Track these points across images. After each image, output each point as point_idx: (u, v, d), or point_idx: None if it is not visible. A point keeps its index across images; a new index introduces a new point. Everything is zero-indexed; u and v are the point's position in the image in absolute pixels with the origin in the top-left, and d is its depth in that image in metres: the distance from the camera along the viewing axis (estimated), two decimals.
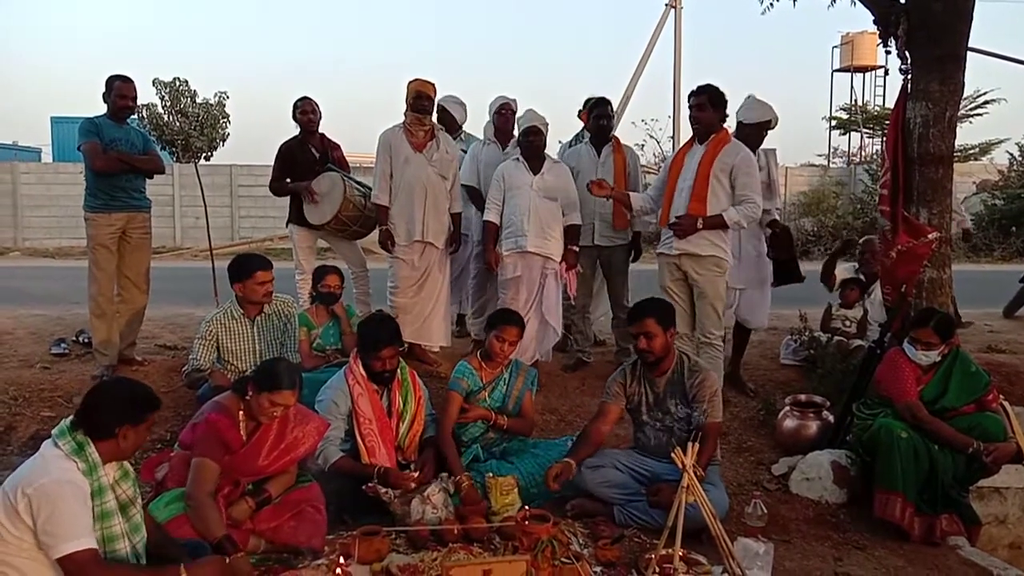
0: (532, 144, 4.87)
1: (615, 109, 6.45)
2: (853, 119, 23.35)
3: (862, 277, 5.62)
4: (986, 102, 20.58)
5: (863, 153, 22.79)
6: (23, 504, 2.33)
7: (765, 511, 3.27)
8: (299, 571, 2.95)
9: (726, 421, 4.05)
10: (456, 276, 5.51)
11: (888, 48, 4.64)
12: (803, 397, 4.66)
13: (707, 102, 4.29)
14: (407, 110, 4.86)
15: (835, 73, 26.32)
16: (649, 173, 12.91)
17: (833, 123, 24.87)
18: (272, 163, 5.50)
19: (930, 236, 4.35)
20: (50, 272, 11.69)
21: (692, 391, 3.58)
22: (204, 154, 19.37)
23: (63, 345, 5.35)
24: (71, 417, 2.53)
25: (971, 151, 21.32)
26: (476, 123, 5.79)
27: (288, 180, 5.44)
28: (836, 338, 5.33)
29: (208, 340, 4.19)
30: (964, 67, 4.53)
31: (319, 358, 4.55)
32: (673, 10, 17.16)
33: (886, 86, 24.57)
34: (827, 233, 15.55)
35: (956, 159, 5.15)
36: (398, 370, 3.80)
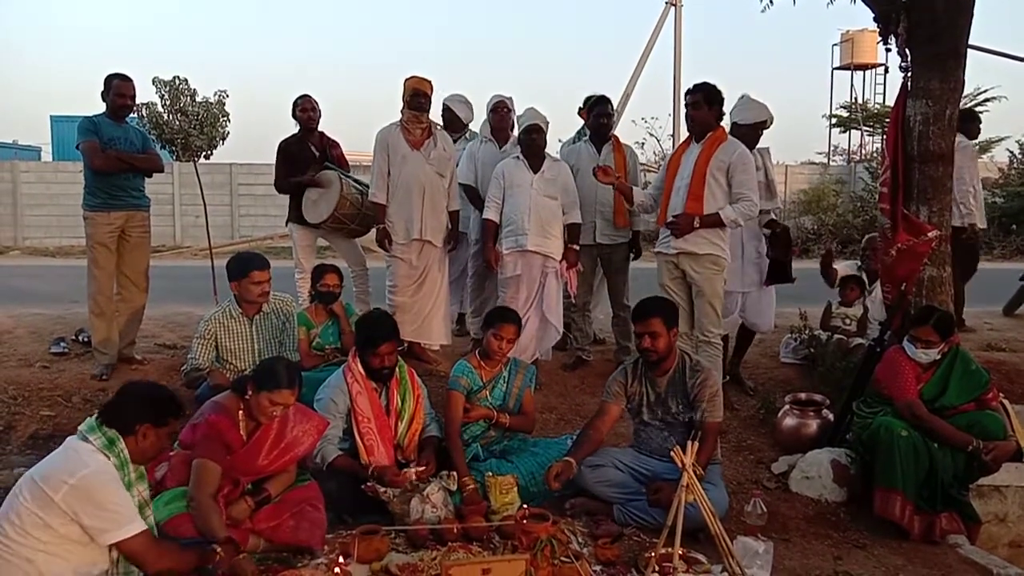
0: (533, 142, 4.86)
1: (615, 107, 6.45)
2: (853, 117, 23.27)
3: (864, 274, 5.60)
4: (986, 99, 20.53)
5: (863, 151, 22.72)
6: (62, 494, 2.40)
7: (765, 510, 3.28)
8: (299, 571, 2.95)
9: (726, 420, 4.05)
10: (456, 276, 5.51)
11: (888, 46, 4.62)
12: (803, 395, 4.65)
13: (702, 100, 4.29)
14: (404, 108, 4.85)
15: (835, 71, 26.37)
16: (649, 171, 12.93)
17: (833, 121, 24.78)
18: (273, 162, 5.48)
19: (930, 234, 4.34)
20: (50, 271, 11.70)
21: (693, 391, 3.57)
22: (204, 153, 19.31)
23: (63, 344, 5.34)
24: (96, 414, 2.61)
25: None
26: (475, 122, 5.79)
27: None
28: (836, 336, 5.31)
29: (207, 339, 4.19)
30: (964, 64, 4.52)
31: (318, 357, 4.55)
32: (673, 8, 17.17)
33: (886, 84, 24.57)
34: (827, 231, 15.54)
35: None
36: (396, 368, 3.79)
